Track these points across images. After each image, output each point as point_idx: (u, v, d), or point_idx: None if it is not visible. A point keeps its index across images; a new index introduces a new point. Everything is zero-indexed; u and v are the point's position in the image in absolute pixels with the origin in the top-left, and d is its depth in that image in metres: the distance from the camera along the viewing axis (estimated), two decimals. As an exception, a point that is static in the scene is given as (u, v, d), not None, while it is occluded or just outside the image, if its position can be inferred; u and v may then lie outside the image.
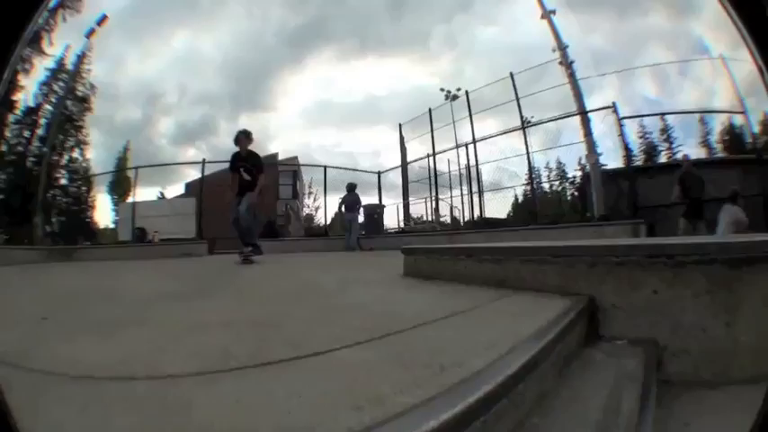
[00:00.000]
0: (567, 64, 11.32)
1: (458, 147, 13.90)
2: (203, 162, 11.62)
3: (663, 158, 19.09)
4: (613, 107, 10.03)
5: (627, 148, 10.11)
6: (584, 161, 11.72)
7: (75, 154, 18.33)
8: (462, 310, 1.54)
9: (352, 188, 10.54)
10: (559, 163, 17.80)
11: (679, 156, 12.56)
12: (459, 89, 15.00)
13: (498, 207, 13.12)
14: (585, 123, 10.47)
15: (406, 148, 15.55)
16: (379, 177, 13.78)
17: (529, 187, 13.62)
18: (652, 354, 1.44)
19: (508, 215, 13.73)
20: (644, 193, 8.86)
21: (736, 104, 11.24)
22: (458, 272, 2.26)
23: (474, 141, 13.28)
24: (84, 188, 18.60)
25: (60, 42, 16.37)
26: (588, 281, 1.68)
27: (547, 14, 11.94)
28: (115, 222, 16.00)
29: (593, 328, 1.58)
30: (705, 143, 17.15)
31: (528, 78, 12.72)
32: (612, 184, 9.72)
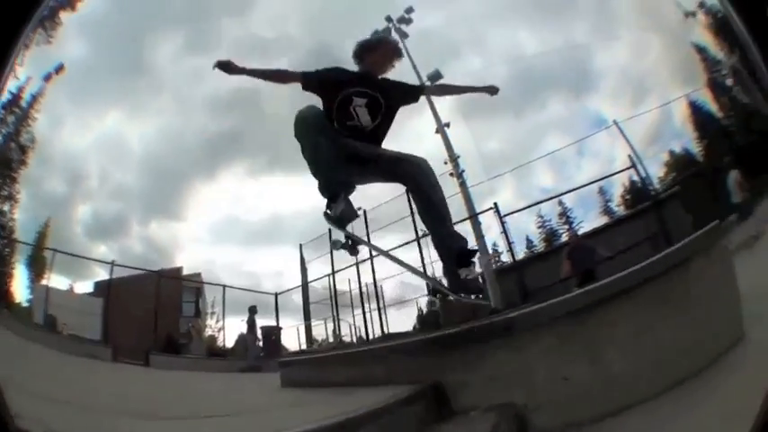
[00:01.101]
0: (457, 174, 12.24)
1: (358, 264, 14.43)
2: (112, 263, 11.30)
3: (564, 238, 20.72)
4: (494, 208, 11.33)
5: (509, 243, 11.48)
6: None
7: (5, 207, 17.08)
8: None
9: (253, 311, 11.25)
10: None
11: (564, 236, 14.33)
12: (359, 208, 15.87)
13: (404, 321, 13.69)
14: (476, 227, 11.46)
15: (306, 269, 15.58)
16: (276, 298, 14.13)
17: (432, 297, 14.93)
18: (509, 415, 1.57)
19: (414, 327, 14.29)
20: (539, 277, 9.56)
21: (627, 161, 12.09)
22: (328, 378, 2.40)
23: (371, 257, 14.07)
24: (7, 250, 17.77)
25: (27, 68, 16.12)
26: (435, 366, 1.84)
27: (441, 128, 12.73)
28: (29, 301, 16.10)
29: (444, 405, 1.72)
30: (606, 211, 18.18)
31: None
32: (507, 278, 10.73)
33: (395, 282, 13.03)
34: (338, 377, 2.28)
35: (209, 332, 16.48)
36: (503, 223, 10.91)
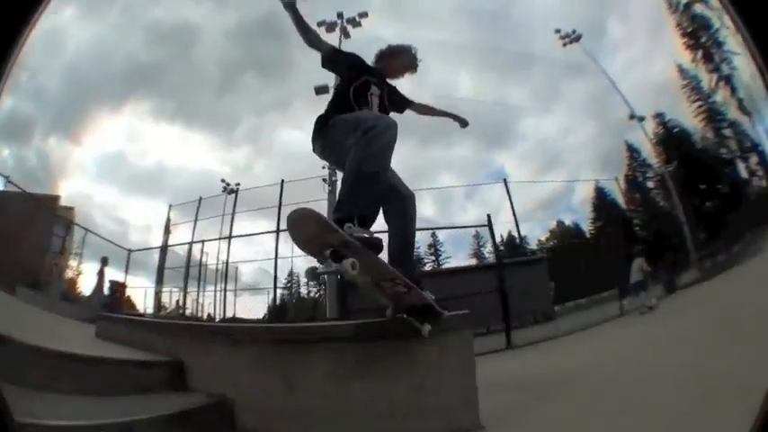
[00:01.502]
0: (329, 182, 12.59)
1: (220, 239, 14.23)
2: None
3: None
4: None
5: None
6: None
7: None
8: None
9: (104, 261, 11.23)
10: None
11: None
12: (238, 184, 15.42)
13: (256, 307, 13.97)
14: None
15: (170, 232, 15.37)
16: (129, 255, 13.65)
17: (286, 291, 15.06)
18: (224, 406, 1.98)
19: (264, 316, 14.49)
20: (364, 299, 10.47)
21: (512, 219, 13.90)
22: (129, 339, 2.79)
23: (230, 237, 13.83)
24: None
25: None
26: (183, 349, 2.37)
27: None
28: None
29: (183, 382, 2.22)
30: (477, 254, 20.78)
31: (303, 187, 13.80)
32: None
33: (253, 267, 13.23)
34: (135, 339, 2.75)
35: (69, 274, 15.12)
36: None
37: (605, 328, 7.36)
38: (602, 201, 25.34)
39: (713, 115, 22.17)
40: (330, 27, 14.00)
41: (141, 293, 14.14)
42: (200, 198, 14.99)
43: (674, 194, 18.54)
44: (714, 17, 19.30)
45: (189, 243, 14.54)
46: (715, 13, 18.77)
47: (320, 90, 12.32)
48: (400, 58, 2.64)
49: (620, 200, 23.30)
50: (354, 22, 14.37)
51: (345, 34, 14.20)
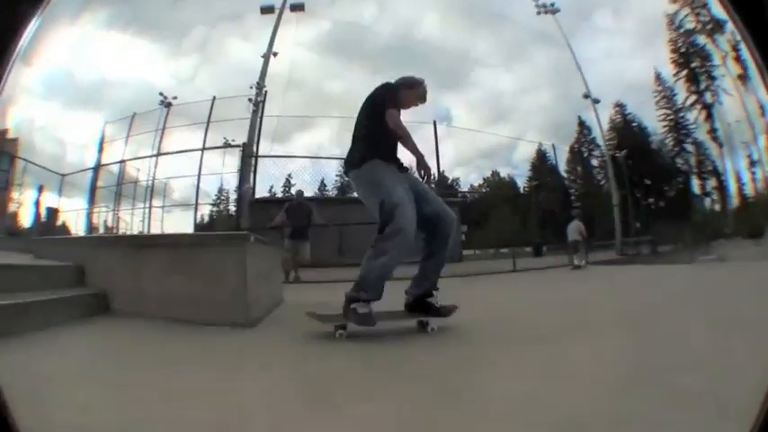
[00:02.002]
0: (255, 102, 12.85)
1: (157, 155, 14.36)
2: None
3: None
4: (242, 147, 12.36)
5: (254, 182, 12.94)
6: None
7: None
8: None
9: (40, 189, 11.62)
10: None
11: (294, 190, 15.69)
12: (175, 97, 15.54)
13: (187, 224, 14.29)
14: (246, 163, 12.32)
15: (103, 150, 15.33)
16: (61, 180, 13.72)
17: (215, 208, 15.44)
18: (103, 295, 2.94)
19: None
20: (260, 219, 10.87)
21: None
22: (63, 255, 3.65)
23: (157, 155, 14.08)
24: None
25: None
26: (85, 257, 3.37)
27: (268, 55, 13.62)
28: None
29: (82, 281, 3.21)
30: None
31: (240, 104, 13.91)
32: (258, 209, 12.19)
33: (187, 183, 13.60)
34: (59, 254, 3.64)
35: (14, 208, 14.91)
36: (250, 163, 12.37)
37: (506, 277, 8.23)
38: (542, 163, 26.98)
39: (679, 128, 24.76)
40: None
41: (75, 216, 14.29)
42: (134, 114, 15.02)
43: (611, 179, 20.16)
44: (717, 54, 21.29)
45: (119, 162, 14.42)
46: (720, 53, 20.86)
47: (265, 10, 12.95)
48: (416, 91, 2.87)
49: (562, 168, 25.81)
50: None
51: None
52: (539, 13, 19.32)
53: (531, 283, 6.81)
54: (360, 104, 2.73)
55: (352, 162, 2.58)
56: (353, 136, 2.70)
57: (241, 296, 2.70)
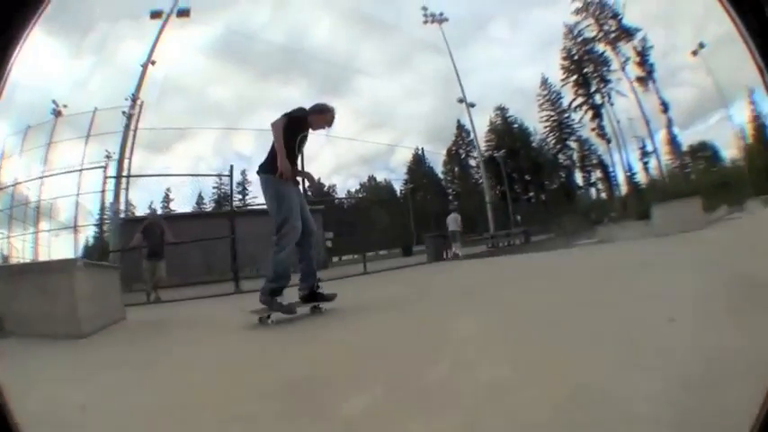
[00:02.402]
0: (127, 115, 13.20)
1: (42, 176, 14.20)
2: None
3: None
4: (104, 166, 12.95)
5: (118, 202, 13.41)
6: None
7: None
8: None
9: None
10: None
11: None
12: (65, 106, 15.26)
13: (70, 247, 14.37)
14: (119, 181, 12.73)
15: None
16: None
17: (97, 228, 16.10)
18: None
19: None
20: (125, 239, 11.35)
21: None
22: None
23: (42, 176, 14.06)
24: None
25: None
26: None
27: (147, 64, 13.85)
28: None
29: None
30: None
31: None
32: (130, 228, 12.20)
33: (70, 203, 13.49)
34: None
35: None
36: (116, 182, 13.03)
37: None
38: (419, 166, 28.65)
39: (563, 127, 27.24)
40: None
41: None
42: (28, 127, 14.02)
43: (484, 177, 23.17)
44: (617, 60, 23.71)
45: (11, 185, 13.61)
46: (620, 59, 23.39)
47: (154, 15, 13.39)
48: (326, 116, 3.49)
49: (439, 170, 28.17)
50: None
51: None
52: (425, 22, 20.74)
53: (377, 281, 7.88)
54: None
55: (263, 168, 3.27)
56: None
57: (73, 312, 3.34)
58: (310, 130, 3.46)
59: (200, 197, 24.35)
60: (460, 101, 19.86)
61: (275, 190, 3.11)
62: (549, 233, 17.72)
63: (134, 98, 12.89)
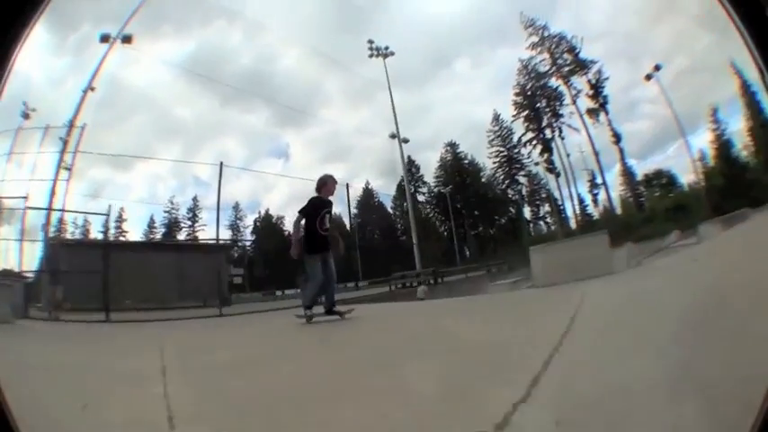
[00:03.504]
0: (63, 139, 13.01)
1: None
2: None
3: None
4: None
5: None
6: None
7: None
8: None
9: None
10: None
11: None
12: (34, 110, 14.67)
13: None
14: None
15: None
16: None
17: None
18: None
19: None
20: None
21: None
22: None
23: None
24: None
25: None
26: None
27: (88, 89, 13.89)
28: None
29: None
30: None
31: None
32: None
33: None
34: None
35: None
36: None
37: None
38: (368, 201, 29.25)
39: (512, 162, 27.65)
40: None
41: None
42: None
43: (410, 211, 23.65)
44: (569, 93, 23.96)
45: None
46: (571, 93, 23.58)
47: (104, 39, 13.45)
48: (330, 185, 4.89)
49: (389, 205, 28.68)
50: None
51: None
52: (370, 56, 21.08)
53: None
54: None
55: (304, 248, 4.74)
56: None
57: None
58: (330, 198, 4.92)
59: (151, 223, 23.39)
60: (392, 136, 20.11)
61: (305, 259, 4.62)
62: (480, 270, 18.08)
63: (70, 123, 13.19)
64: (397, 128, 19.37)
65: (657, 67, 18.70)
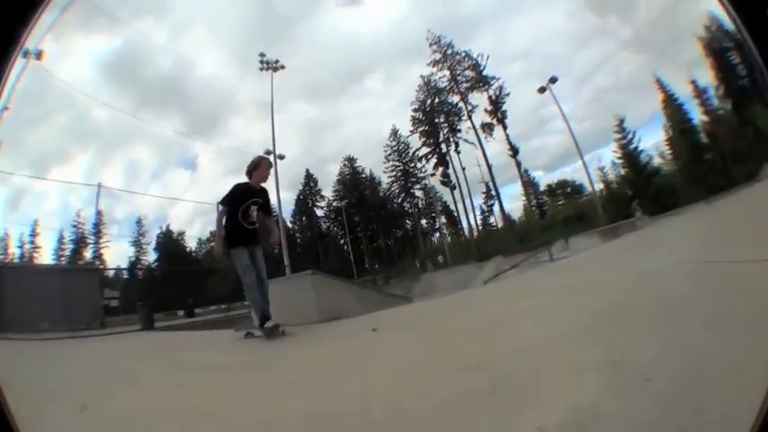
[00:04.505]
0: None
1: None
2: None
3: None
4: None
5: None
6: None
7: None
8: None
9: None
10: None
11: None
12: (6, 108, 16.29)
13: None
14: None
15: None
16: None
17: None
18: None
19: None
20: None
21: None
22: None
23: None
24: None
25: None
26: None
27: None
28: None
29: None
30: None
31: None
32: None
33: None
34: None
35: None
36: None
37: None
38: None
39: (407, 176, 28.91)
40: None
41: None
42: None
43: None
44: (465, 109, 25.73)
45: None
46: (468, 108, 25.42)
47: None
48: (263, 169, 3.86)
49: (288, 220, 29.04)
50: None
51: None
52: (261, 69, 21.29)
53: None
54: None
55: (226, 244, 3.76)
56: None
57: None
58: (263, 185, 3.95)
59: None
60: (267, 152, 20.01)
61: (231, 256, 3.75)
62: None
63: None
64: (274, 144, 19.43)
65: (553, 80, 19.26)
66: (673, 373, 1.13)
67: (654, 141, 20.57)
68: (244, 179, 3.81)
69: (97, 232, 24.48)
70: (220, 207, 3.75)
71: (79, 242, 24.46)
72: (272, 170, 3.99)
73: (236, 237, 3.69)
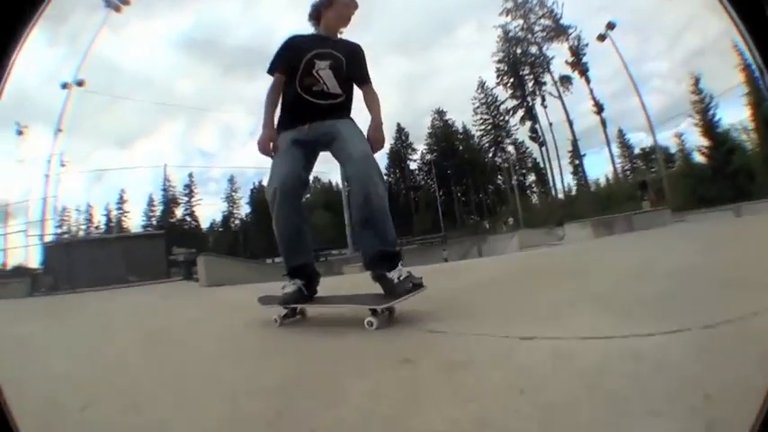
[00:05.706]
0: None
1: None
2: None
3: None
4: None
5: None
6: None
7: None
8: None
9: None
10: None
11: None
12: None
13: None
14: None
15: None
16: None
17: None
18: None
19: None
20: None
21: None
22: None
23: None
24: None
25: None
26: None
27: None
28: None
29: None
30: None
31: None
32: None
33: None
34: None
35: None
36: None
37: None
38: None
39: (498, 130, 27.87)
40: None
41: None
42: None
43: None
44: (544, 60, 24.35)
45: None
46: (546, 59, 24.03)
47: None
48: (337, 5, 2.21)
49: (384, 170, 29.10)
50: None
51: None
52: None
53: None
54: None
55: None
56: None
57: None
58: (339, 34, 2.26)
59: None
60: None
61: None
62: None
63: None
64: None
65: (612, 25, 17.94)
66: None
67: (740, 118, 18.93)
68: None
69: (189, 193, 26.69)
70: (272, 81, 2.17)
71: (170, 203, 26.40)
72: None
73: (287, 115, 2.14)
